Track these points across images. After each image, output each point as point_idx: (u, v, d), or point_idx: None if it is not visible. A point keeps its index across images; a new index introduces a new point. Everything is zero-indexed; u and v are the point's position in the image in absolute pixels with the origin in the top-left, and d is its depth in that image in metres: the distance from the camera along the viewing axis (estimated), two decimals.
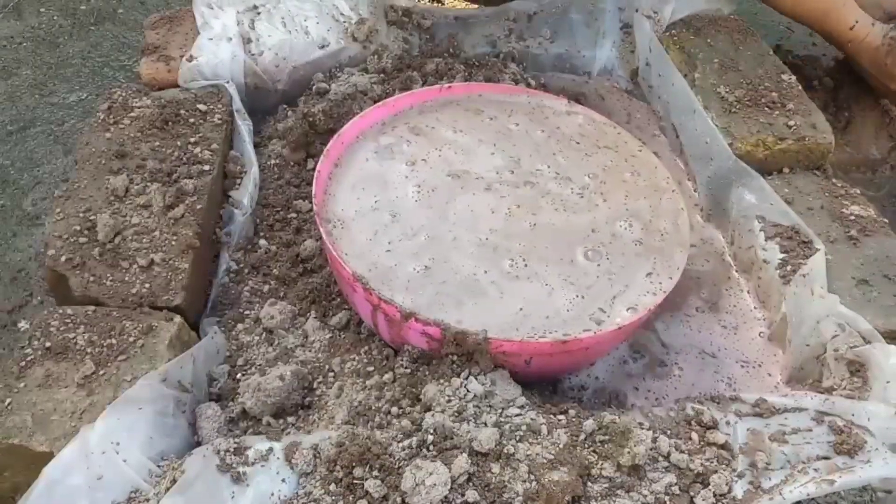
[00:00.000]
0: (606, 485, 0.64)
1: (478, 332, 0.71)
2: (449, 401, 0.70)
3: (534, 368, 0.75)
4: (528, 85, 1.15)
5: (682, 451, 0.66)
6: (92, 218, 0.87)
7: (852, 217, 0.93)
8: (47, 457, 0.66)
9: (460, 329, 0.71)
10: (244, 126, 1.02)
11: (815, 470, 0.64)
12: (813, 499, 0.64)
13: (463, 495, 0.62)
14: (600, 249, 0.82)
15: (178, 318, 0.80)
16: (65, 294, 0.83)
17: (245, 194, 0.96)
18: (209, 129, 0.99)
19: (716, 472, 0.65)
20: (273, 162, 1.02)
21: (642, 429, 0.68)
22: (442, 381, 0.72)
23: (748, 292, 0.94)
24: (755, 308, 0.93)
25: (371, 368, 0.77)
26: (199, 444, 0.73)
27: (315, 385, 0.78)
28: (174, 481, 0.63)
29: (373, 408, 0.73)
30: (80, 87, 1.42)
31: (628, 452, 0.64)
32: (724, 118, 1.03)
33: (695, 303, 0.93)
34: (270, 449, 0.66)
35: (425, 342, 0.74)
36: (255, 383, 0.76)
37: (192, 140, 0.97)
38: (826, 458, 0.66)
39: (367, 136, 0.92)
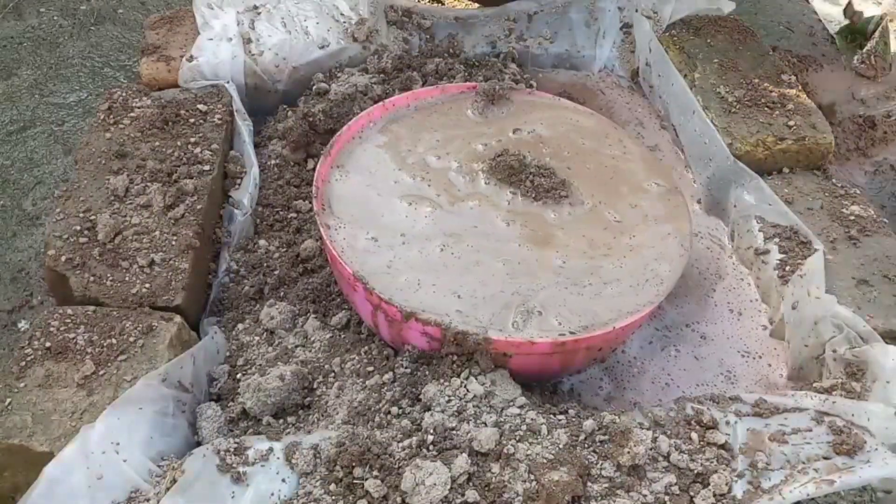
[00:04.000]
0: (606, 484, 0.64)
1: (478, 331, 0.71)
2: (449, 401, 0.70)
3: (535, 367, 0.75)
4: (529, 86, 1.15)
5: (681, 451, 0.66)
6: (92, 218, 0.87)
7: (852, 217, 0.93)
8: (47, 457, 0.66)
9: (460, 329, 0.71)
10: (244, 126, 1.02)
11: (815, 470, 0.64)
12: (813, 499, 0.64)
13: (463, 495, 0.62)
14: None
15: (178, 318, 0.80)
16: (65, 294, 0.83)
17: (245, 194, 0.96)
18: (209, 129, 0.99)
19: (716, 472, 0.65)
20: (273, 162, 1.02)
21: (642, 429, 0.68)
22: (442, 381, 0.72)
23: (748, 284, 0.94)
24: (757, 299, 0.93)
25: (371, 368, 0.77)
26: (199, 443, 0.73)
27: (315, 385, 0.78)
28: (174, 481, 0.63)
29: (373, 408, 0.73)
30: (81, 87, 1.42)
31: (628, 452, 0.64)
32: (723, 118, 1.03)
33: (699, 292, 0.94)
34: (270, 449, 0.66)
35: (426, 342, 0.74)
36: (255, 383, 0.76)
37: (193, 140, 0.97)
38: (826, 458, 0.66)
39: (367, 136, 0.92)
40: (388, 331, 0.77)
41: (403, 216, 0.83)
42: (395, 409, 0.72)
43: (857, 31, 1.33)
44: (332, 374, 0.79)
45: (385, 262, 0.78)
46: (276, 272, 0.91)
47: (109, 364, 0.75)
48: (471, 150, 0.91)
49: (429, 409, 0.70)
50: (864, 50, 1.27)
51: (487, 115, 0.97)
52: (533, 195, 0.86)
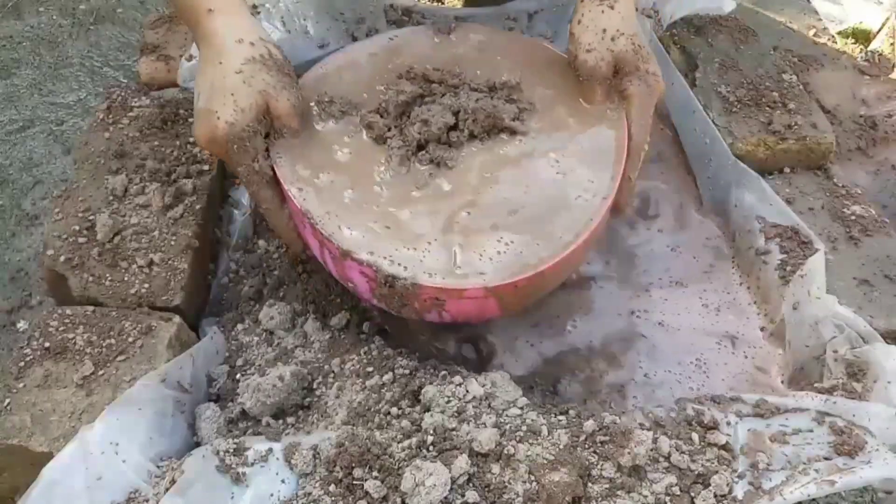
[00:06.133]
0: (607, 485, 0.64)
1: (406, 277, 0.70)
2: (448, 401, 0.70)
3: (473, 311, 0.74)
4: None
5: (682, 452, 0.66)
6: (91, 218, 0.86)
7: (853, 217, 0.93)
8: (47, 457, 0.66)
9: (390, 272, 0.70)
10: None
11: (816, 471, 0.64)
12: (813, 499, 0.64)
13: (463, 496, 0.62)
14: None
15: (177, 319, 0.80)
16: (64, 294, 0.83)
17: (244, 194, 0.96)
18: None
19: (716, 472, 0.65)
20: None
21: (643, 429, 0.68)
22: (442, 381, 0.72)
23: (748, 288, 0.94)
24: (754, 302, 0.92)
25: (371, 369, 0.77)
26: (198, 444, 0.73)
27: (315, 385, 0.78)
28: (173, 482, 0.63)
29: (372, 408, 0.73)
30: (80, 87, 1.42)
31: (629, 453, 0.64)
32: (724, 118, 1.02)
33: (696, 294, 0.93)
34: (270, 449, 0.66)
35: (366, 282, 0.73)
36: (255, 384, 0.76)
37: (192, 140, 0.97)
38: (827, 458, 0.66)
39: None
40: (334, 267, 0.76)
41: None
42: (394, 410, 0.71)
43: (860, 31, 1.33)
44: (332, 375, 0.79)
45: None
46: (276, 272, 0.91)
47: (108, 364, 0.75)
48: None
49: (428, 410, 0.70)
50: (870, 48, 1.27)
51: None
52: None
